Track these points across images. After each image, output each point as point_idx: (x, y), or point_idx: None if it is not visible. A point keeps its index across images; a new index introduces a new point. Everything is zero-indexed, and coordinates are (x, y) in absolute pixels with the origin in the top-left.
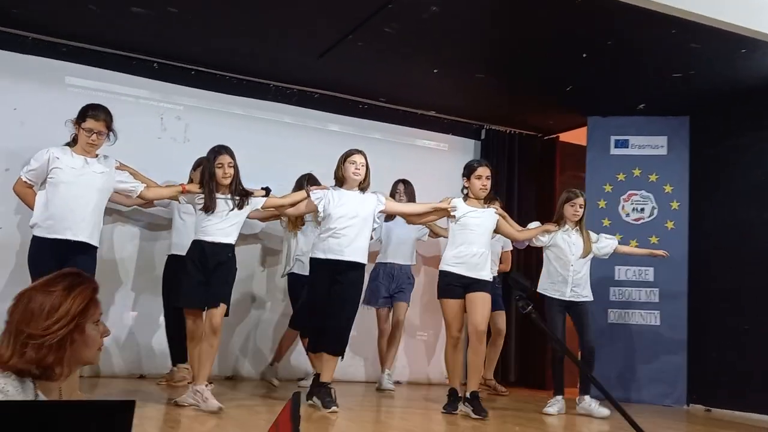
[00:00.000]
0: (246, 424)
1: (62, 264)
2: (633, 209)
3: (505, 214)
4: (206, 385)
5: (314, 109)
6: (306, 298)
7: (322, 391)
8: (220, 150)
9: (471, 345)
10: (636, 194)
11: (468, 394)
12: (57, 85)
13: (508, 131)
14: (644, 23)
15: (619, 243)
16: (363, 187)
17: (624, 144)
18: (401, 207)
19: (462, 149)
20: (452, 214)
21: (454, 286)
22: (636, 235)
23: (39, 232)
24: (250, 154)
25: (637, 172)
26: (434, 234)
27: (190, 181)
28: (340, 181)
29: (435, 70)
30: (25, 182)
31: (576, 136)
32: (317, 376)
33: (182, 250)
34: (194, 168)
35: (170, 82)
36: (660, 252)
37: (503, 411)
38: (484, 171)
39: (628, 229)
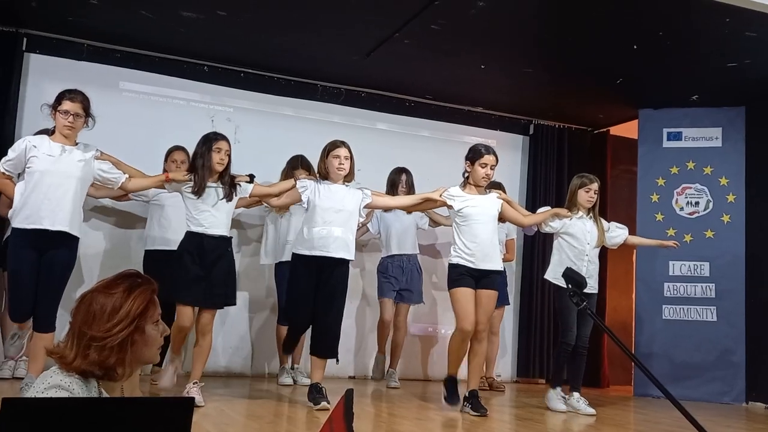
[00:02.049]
0: (298, 421)
1: (41, 255)
2: (687, 203)
3: (509, 198)
4: (195, 384)
5: (362, 108)
6: (288, 294)
7: (312, 389)
8: (219, 136)
9: (471, 344)
10: (690, 188)
11: (467, 393)
12: (112, 90)
13: (557, 126)
14: (697, 11)
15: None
16: (348, 180)
17: (677, 136)
18: (388, 201)
19: (511, 145)
20: (448, 203)
21: (466, 276)
22: (690, 230)
23: (17, 223)
24: (298, 154)
25: (691, 164)
26: (434, 222)
27: (164, 172)
28: (323, 176)
29: (482, 66)
30: (3, 173)
31: (627, 130)
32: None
33: (165, 244)
34: (166, 158)
35: (220, 84)
36: (670, 243)
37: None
38: (490, 159)
39: (683, 223)
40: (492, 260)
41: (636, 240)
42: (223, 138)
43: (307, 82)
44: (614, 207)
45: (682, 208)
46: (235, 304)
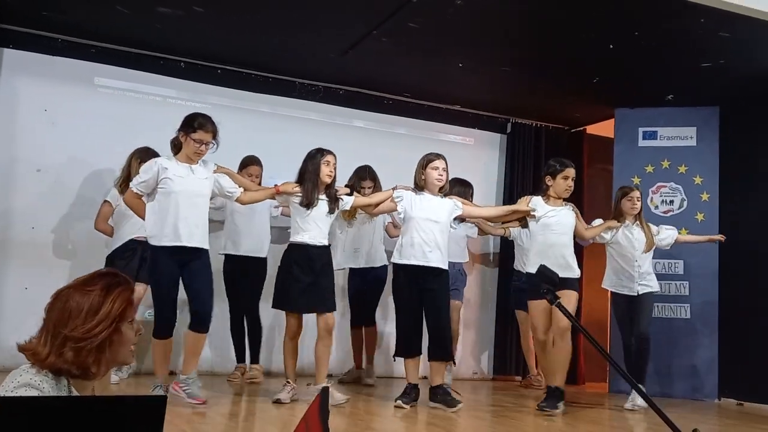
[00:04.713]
0: (276, 420)
1: (182, 269)
2: (662, 201)
3: (578, 211)
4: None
5: (339, 106)
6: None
7: (439, 392)
8: (326, 150)
9: (555, 344)
10: (665, 186)
11: (553, 387)
12: (86, 85)
13: (534, 124)
14: (672, 12)
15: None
16: (443, 192)
17: (652, 135)
18: (479, 211)
19: (488, 143)
20: (533, 213)
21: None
22: None
23: (159, 242)
24: (276, 151)
25: (665, 163)
26: (482, 232)
27: None
28: (421, 187)
29: (460, 64)
30: (136, 193)
31: (603, 129)
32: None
33: (236, 249)
34: (241, 168)
35: (197, 81)
36: (717, 236)
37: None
38: (570, 172)
39: (657, 221)
40: (564, 268)
41: (685, 238)
42: (331, 152)
43: (285, 79)
44: (591, 205)
45: (657, 207)
46: (335, 309)
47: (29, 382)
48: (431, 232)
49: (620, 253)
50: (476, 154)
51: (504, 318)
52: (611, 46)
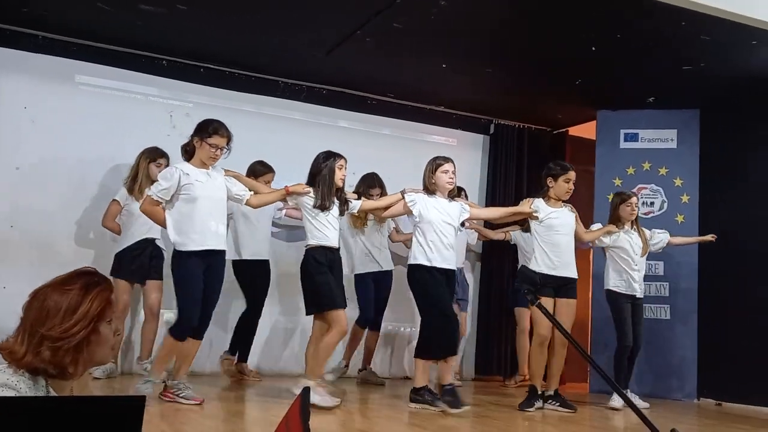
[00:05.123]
0: (258, 420)
1: (206, 272)
2: (643, 203)
3: (577, 213)
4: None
5: (323, 106)
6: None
7: (426, 393)
8: (339, 155)
9: (555, 350)
10: (646, 188)
11: (552, 392)
12: (67, 83)
13: (517, 126)
14: (653, 15)
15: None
16: (452, 195)
17: (634, 137)
18: (484, 212)
19: (471, 144)
20: (535, 215)
21: (545, 285)
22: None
23: (186, 247)
24: (259, 151)
25: (646, 165)
26: (482, 236)
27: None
28: (431, 190)
29: (444, 65)
30: (156, 200)
31: (586, 130)
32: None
33: (237, 254)
34: (256, 177)
35: (179, 79)
36: (708, 237)
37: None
38: (572, 175)
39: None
40: (569, 268)
41: (677, 240)
42: (343, 156)
43: (269, 79)
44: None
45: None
46: None
47: (6, 383)
48: (449, 235)
49: (622, 256)
50: (459, 154)
51: (486, 318)
52: (594, 49)
